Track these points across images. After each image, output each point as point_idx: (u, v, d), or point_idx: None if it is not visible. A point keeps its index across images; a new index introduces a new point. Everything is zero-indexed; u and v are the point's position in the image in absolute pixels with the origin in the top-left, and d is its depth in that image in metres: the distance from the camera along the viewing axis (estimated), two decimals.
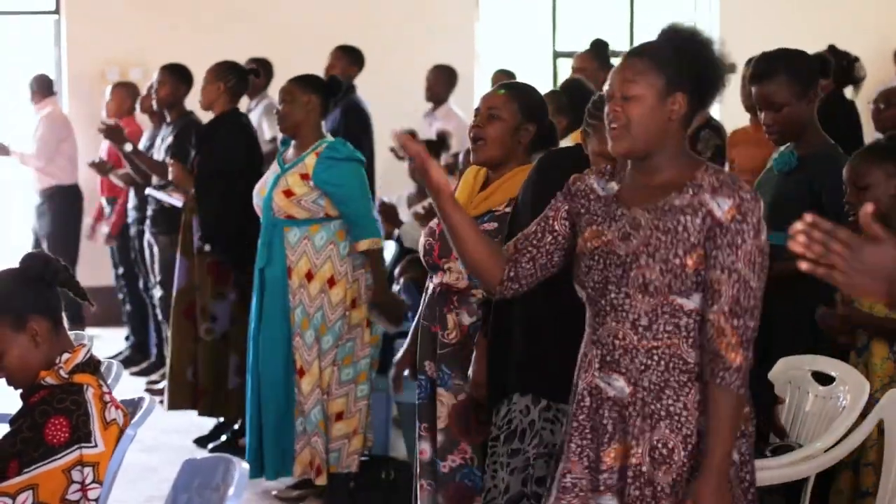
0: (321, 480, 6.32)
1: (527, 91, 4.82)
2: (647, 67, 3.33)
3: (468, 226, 3.48)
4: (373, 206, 6.51)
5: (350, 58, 10.00)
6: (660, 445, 3.33)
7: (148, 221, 8.75)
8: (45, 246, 10.52)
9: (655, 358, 3.33)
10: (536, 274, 3.51)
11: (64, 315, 3.88)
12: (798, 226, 2.47)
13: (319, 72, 8.21)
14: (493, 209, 4.62)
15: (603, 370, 3.40)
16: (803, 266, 2.48)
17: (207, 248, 7.31)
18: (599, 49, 8.74)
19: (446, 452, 4.64)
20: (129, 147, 8.46)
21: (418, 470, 4.82)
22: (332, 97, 6.53)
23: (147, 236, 8.82)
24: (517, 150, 4.65)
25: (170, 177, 8.00)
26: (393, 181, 10.21)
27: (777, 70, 4.99)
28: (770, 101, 5.00)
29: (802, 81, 5.00)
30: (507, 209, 4.55)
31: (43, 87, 10.80)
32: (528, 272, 3.50)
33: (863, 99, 8.13)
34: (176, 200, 8.00)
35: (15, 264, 3.88)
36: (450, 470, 4.63)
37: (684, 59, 3.32)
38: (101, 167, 9.42)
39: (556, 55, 12.93)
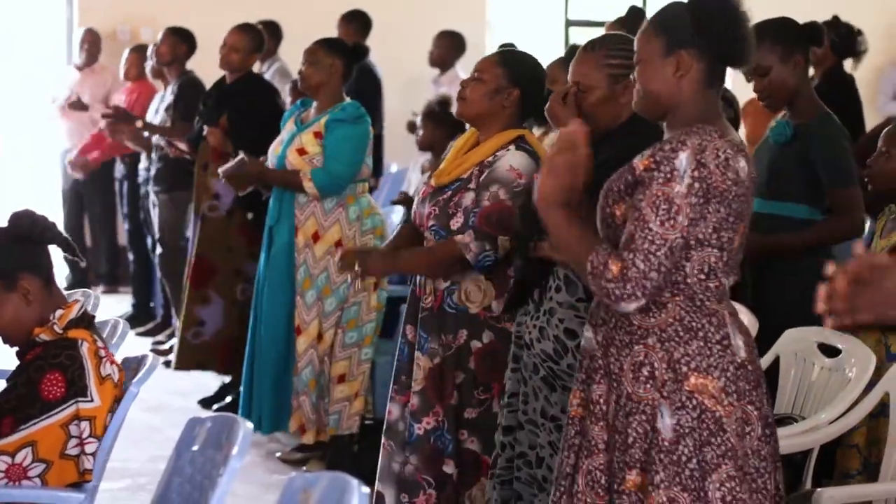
0: (307, 439, 6.41)
1: (518, 57, 4.86)
2: (651, 31, 3.41)
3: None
4: (349, 173, 6.36)
5: (355, 25, 9.95)
6: (599, 400, 3.38)
7: (151, 180, 8.74)
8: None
9: (608, 314, 3.39)
10: None
11: (70, 274, 3.89)
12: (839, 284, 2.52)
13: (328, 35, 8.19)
14: (461, 176, 4.68)
15: (588, 321, 3.49)
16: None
17: (250, 216, 7.28)
18: (635, 17, 8.58)
19: (421, 415, 4.69)
20: (139, 123, 8.42)
21: (384, 429, 4.88)
22: (355, 62, 6.57)
23: (151, 195, 8.82)
24: (500, 113, 4.69)
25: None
26: (402, 146, 10.20)
27: (760, 36, 5.04)
28: (755, 65, 5.04)
29: (786, 45, 5.07)
30: (468, 176, 4.65)
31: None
32: None
33: (865, 72, 8.12)
34: (182, 145, 8.00)
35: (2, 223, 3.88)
36: (424, 432, 4.69)
37: (695, 15, 3.36)
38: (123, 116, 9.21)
39: (569, 23, 12.89)
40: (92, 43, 10.80)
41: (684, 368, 3.31)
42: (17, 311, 3.79)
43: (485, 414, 4.64)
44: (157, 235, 8.71)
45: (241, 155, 6.53)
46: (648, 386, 3.31)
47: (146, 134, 8.81)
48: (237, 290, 7.43)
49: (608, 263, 3.23)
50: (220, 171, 6.63)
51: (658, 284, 3.25)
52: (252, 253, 7.29)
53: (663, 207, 3.22)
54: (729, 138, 3.32)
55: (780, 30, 5.10)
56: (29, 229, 3.83)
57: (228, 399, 7.55)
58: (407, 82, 10.94)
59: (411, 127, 9.40)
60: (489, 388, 4.64)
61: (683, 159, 3.23)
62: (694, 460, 3.29)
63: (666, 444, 3.29)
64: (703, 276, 3.31)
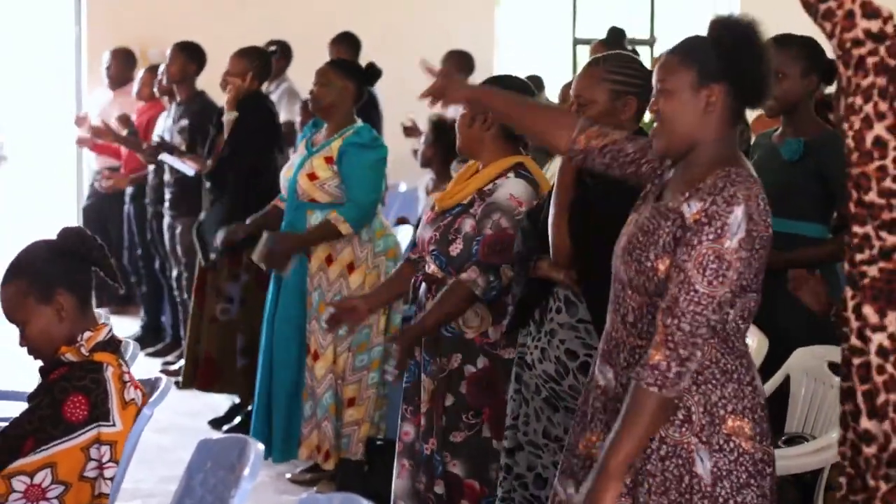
0: (329, 465, 6.36)
1: (492, 81, 4.85)
2: (678, 62, 3.30)
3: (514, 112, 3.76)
4: (376, 200, 6.40)
5: (345, 46, 9.94)
6: None
7: (167, 205, 8.75)
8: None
9: (636, 356, 3.31)
10: (605, 166, 3.59)
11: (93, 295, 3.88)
12: None
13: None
14: (462, 202, 4.72)
15: (601, 360, 3.43)
16: None
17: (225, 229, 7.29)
18: (616, 37, 8.59)
19: (428, 436, 4.72)
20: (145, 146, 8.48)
21: (399, 449, 4.90)
22: (368, 86, 6.53)
23: (167, 219, 8.83)
24: (483, 138, 4.71)
25: (190, 172, 8.04)
26: (403, 166, 10.20)
27: (791, 43, 5.09)
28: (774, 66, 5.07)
29: (809, 63, 5.10)
30: (468, 201, 4.68)
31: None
32: (600, 164, 3.58)
33: None
34: (188, 168, 8.01)
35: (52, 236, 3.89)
36: (431, 452, 4.72)
37: (721, 50, 3.27)
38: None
39: (576, 42, 12.91)
40: (120, 63, 10.75)
41: (721, 412, 3.26)
42: (49, 324, 3.78)
43: (472, 439, 4.64)
44: (182, 260, 8.71)
45: (265, 234, 6.32)
46: (684, 429, 3.25)
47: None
48: (217, 309, 7.44)
49: (652, 363, 3.15)
50: (253, 258, 6.38)
51: (709, 337, 3.20)
52: (233, 274, 7.30)
53: (712, 267, 3.14)
54: (756, 177, 3.27)
55: (808, 47, 5.12)
56: (76, 247, 3.83)
57: (238, 420, 7.55)
58: (414, 101, 10.92)
59: (407, 131, 9.44)
60: (479, 413, 4.64)
61: (739, 214, 3.16)
62: (731, 502, 3.25)
63: (708, 488, 3.24)
64: (741, 321, 3.28)
